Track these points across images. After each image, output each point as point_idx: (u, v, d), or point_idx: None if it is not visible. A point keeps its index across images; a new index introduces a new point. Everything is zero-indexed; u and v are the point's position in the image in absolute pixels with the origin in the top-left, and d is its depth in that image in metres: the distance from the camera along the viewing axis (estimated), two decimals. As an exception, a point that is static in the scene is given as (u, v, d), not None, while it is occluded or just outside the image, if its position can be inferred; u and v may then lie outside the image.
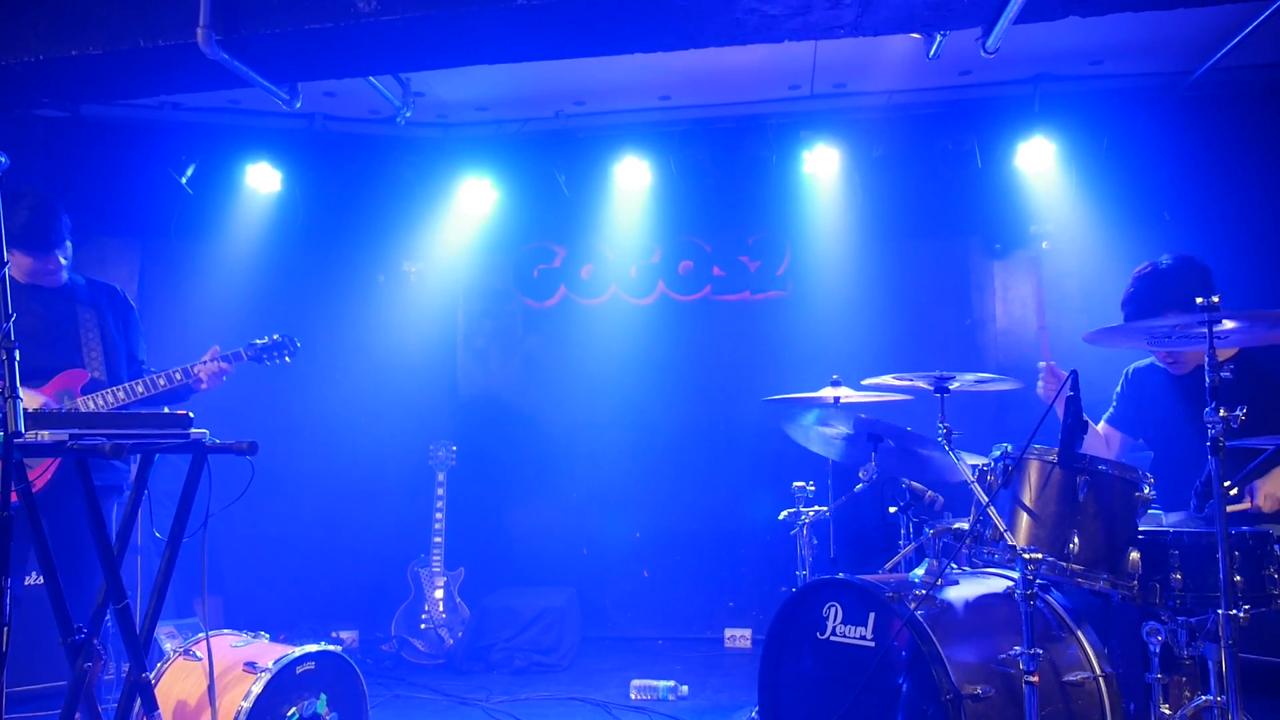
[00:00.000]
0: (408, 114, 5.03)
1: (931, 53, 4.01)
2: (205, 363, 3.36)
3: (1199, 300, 2.25)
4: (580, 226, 5.83)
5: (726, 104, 5.35)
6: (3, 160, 2.30)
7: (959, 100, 5.23)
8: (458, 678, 4.76)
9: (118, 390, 3.23)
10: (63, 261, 3.27)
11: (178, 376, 3.31)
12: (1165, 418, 3.25)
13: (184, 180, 5.20)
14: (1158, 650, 2.48)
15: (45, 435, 2.15)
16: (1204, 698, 2.37)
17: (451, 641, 5.03)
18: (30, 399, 3.01)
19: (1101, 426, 3.46)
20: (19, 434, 2.03)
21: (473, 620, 5.05)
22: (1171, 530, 2.53)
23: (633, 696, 4.32)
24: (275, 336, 3.62)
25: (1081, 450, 2.55)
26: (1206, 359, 2.34)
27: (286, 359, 3.65)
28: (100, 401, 3.19)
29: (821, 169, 5.37)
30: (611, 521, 5.75)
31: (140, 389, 3.26)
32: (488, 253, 5.96)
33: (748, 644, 5.41)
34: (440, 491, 5.22)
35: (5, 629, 1.91)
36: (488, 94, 5.17)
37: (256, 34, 3.42)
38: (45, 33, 3.57)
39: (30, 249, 3.15)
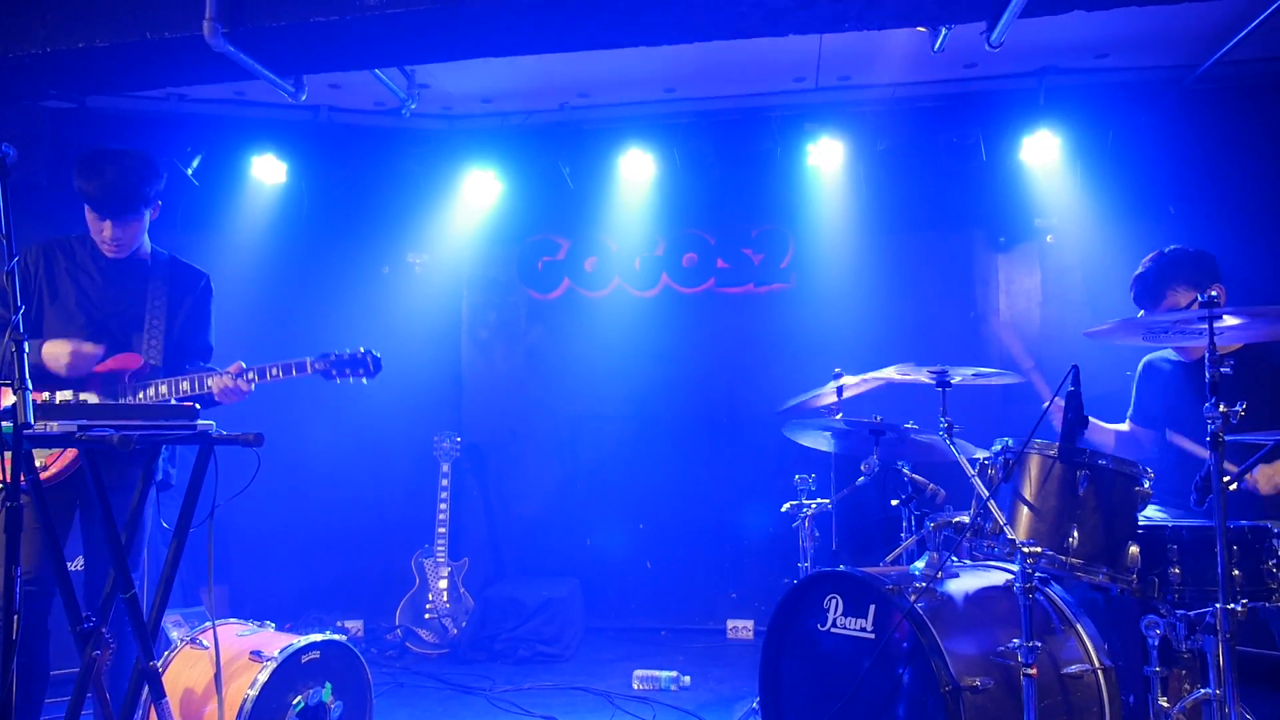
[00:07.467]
0: (412, 106, 5.05)
1: (936, 46, 4.02)
2: (220, 374, 3.02)
3: (1197, 297, 2.25)
4: (584, 219, 5.83)
5: (731, 96, 5.35)
6: (10, 152, 2.31)
7: (964, 93, 5.22)
8: (461, 667, 4.79)
9: (161, 385, 3.02)
10: (144, 223, 3.13)
11: (202, 384, 3.03)
12: (1173, 410, 3.25)
13: (189, 171, 5.21)
14: (1156, 644, 2.50)
15: (54, 426, 2.17)
16: (1202, 691, 2.39)
17: (455, 631, 5.06)
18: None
19: (1127, 425, 3.46)
20: (28, 425, 2.05)
21: (477, 610, 5.08)
22: (1170, 525, 2.54)
23: (635, 686, 4.35)
24: (359, 350, 3.13)
25: (1092, 446, 2.56)
26: (1207, 354, 2.35)
27: (364, 380, 3.14)
28: (145, 395, 3.01)
29: (826, 161, 5.36)
30: (615, 513, 5.77)
31: (185, 386, 3.02)
32: (492, 244, 5.97)
33: (750, 635, 5.44)
34: (445, 482, 5.25)
35: (15, 617, 1.93)
36: (492, 86, 5.18)
37: (262, 27, 3.44)
38: (53, 25, 3.59)
39: (105, 211, 2.97)
